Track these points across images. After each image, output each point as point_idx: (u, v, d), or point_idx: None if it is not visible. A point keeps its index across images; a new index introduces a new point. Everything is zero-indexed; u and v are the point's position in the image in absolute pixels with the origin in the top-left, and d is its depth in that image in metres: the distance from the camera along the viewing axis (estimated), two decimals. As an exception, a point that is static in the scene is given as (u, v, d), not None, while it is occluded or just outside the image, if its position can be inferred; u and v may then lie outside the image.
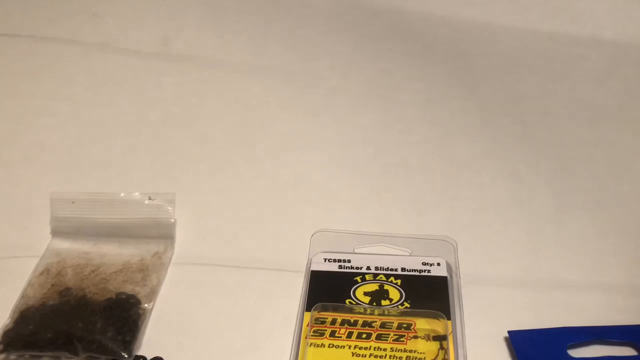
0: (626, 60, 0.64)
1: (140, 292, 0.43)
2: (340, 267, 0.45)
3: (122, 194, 0.48)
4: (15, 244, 0.48)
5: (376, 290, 0.43)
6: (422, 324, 0.41)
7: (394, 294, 0.43)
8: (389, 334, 0.40)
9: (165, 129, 0.58)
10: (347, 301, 0.42)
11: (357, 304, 0.42)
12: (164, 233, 0.47)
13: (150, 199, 0.47)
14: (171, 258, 0.46)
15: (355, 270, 0.44)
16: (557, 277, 0.45)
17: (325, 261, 0.45)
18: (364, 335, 0.40)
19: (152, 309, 0.43)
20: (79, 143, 0.56)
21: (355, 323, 0.41)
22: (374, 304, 0.42)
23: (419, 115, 0.59)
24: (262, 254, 0.47)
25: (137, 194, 0.48)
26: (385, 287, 0.43)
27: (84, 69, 0.64)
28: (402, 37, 0.69)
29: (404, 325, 0.41)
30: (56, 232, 0.48)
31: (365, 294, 0.43)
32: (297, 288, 0.44)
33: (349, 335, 0.40)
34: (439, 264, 0.45)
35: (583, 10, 0.69)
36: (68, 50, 0.66)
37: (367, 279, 0.44)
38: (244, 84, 0.63)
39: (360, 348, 0.40)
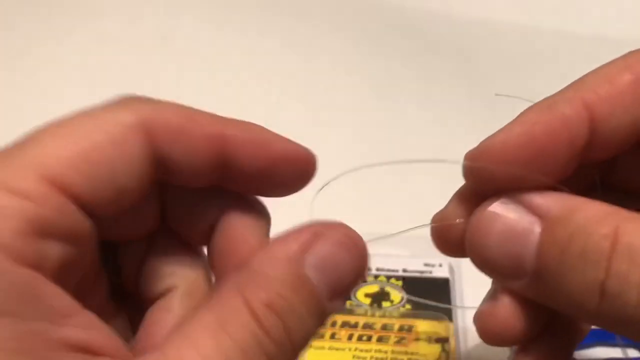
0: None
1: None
2: (340, 268, 0.44)
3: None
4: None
5: (377, 291, 0.43)
6: (424, 326, 0.40)
7: (395, 295, 0.42)
8: (390, 336, 0.40)
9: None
10: (347, 303, 0.42)
11: (358, 305, 0.42)
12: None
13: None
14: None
15: (355, 272, 0.44)
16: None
17: (325, 262, 0.45)
18: (364, 338, 0.40)
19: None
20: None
21: (355, 325, 0.41)
22: (375, 305, 0.42)
23: (420, 113, 0.59)
24: (261, 254, 0.46)
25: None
26: (387, 288, 0.43)
27: (82, 66, 0.63)
28: (404, 34, 0.68)
29: (406, 328, 0.40)
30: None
31: (366, 295, 0.43)
32: (297, 289, 0.44)
33: (350, 337, 0.40)
34: (440, 265, 0.44)
35: (588, 8, 0.68)
36: (66, 48, 0.66)
37: (368, 280, 0.43)
38: (243, 82, 0.62)
39: (361, 350, 0.39)
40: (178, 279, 0.25)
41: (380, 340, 0.40)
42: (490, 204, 0.25)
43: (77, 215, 0.22)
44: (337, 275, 0.23)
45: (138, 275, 0.26)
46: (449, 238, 0.28)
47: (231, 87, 0.62)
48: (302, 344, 0.22)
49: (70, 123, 0.23)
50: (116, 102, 0.24)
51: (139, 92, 0.67)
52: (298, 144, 0.25)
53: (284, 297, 0.21)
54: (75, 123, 0.23)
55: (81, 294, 0.22)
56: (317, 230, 0.23)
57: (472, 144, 0.59)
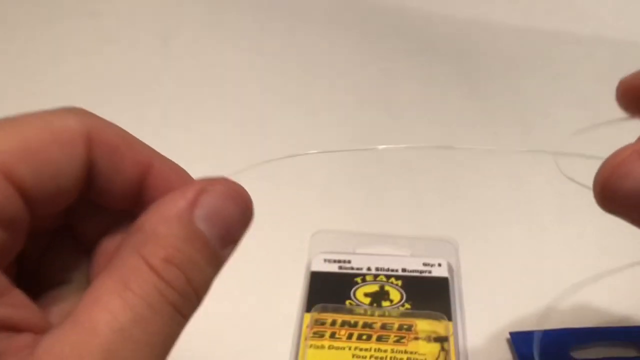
0: (629, 59, 0.63)
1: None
2: (340, 267, 0.44)
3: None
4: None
5: (377, 291, 0.43)
6: (423, 325, 0.40)
7: (395, 295, 0.43)
8: (390, 336, 0.40)
9: (163, 129, 0.57)
10: (347, 302, 0.42)
11: (358, 305, 0.42)
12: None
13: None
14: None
15: (355, 271, 0.44)
16: (559, 278, 0.45)
17: (325, 262, 0.45)
18: (364, 337, 0.40)
19: (150, 310, 0.43)
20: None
21: (355, 324, 0.41)
22: (375, 305, 0.42)
23: (419, 114, 0.59)
24: (261, 254, 0.46)
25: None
26: (386, 288, 0.43)
27: (82, 69, 0.63)
28: (403, 35, 0.68)
29: (405, 327, 0.40)
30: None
31: (366, 294, 0.43)
32: (297, 289, 0.44)
33: (349, 336, 0.40)
34: (439, 265, 0.44)
35: (585, 8, 0.69)
36: (66, 50, 0.66)
37: (368, 279, 0.43)
38: (243, 82, 0.62)
39: (361, 349, 0.39)
40: (74, 274, 0.27)
41: (379, 339, 0.40)
42: (621, 156, 0.24)
43: (20, 206, 0.23)
44: (226, 225, 0.25)
45: (40, 259, 0.26)
46: None
47: (231, 87, 0.62)
48: (204, 291, 0.24)
49: (20, 121, 0.24)
50: (63, 109, 0.25)
51: (140, 92, 0.67)
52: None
53: (180, 250, 0.23)
54: (24, 121, 0.24)
55: None
56: (202, 186, 0.24)
57: (471, 143, 0.59)
